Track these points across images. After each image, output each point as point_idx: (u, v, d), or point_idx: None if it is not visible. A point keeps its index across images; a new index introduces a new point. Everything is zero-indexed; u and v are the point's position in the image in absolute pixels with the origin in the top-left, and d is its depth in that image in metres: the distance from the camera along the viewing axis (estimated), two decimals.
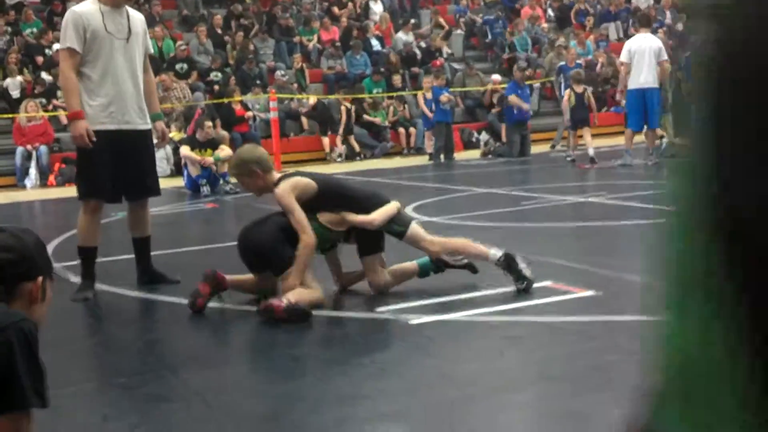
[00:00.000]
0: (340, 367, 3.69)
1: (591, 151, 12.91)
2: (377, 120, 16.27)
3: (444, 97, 14.45)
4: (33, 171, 13.78)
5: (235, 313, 4.57)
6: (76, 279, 5.39)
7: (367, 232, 4.65)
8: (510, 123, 14.58)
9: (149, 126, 5.32)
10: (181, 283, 5.35)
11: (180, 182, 11.87)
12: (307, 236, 4.43)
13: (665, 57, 11.22)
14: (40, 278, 2.12)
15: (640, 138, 15.19)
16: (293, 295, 4.21)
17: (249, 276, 4.64)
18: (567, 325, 4.01)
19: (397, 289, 4.91)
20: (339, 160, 15.29)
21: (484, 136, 16.49)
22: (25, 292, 2.05)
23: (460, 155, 15.51)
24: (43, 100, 14.87)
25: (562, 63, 16.48)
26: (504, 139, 15.28)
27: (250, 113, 15.11)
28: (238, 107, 15.18)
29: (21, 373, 1.85)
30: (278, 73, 16.25)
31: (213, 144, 11.58)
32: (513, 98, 14.50)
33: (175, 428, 3.05)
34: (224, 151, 11.25)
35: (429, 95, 15.14)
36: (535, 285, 4.72)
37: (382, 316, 4.34)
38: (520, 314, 4.19)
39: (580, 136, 13.46)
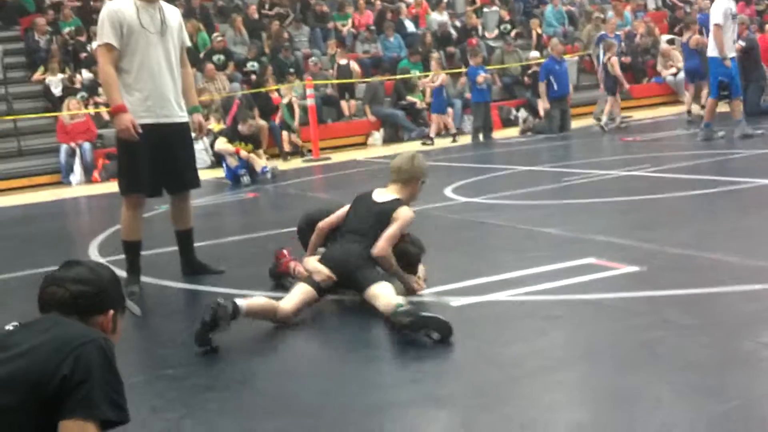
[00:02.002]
0: (384, 351, 3.70)
1: (604, 119, 13.26)
2: (416, 101, 16.22)
3: (480, 77, 14.34)
4: (77, 168, 14.02)
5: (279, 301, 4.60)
6: (121, 273, 5.47)
7: None
8: (550, 98, 14.43)
9: (187, 119, 5.35)
10: (225, 272, 5.41)
11: (220, 173, 11.98)
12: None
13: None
14: (112, 312, 2.21)
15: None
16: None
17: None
18: (611, 302, 3.96)
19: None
20: (377, 144, 15.26)
21: (522, 113, 16.34)
22: (96, 323, 2.13)
23: (499, 133, 15.39)
24: (84, 94, 15.07)
25: (603, 32, 16.25)
26: (543, 114, 15.12)
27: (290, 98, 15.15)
28: (275, 96, 15.24)
29: (96, 382, 1.89)
30: (312, 60, 16.27)
31: (255, 139, 11.64)
32: (541, 87, 14.46)
33: (224, 417, 3.08)
34: (257, 162, 11.37)
35: (435, 82, 15.06)
36: (578, 262, 4.67)
37: (423, 298, 4.33)
38: (563, 293, 4.15)
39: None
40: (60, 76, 15.53)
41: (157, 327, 4.58)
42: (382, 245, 4.37)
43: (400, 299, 3.91)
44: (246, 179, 11.15)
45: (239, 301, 3.89)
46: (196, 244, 5.63)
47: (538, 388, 3.04)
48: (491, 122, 14.85)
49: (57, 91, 15.36)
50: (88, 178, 13.98)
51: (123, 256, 5.40)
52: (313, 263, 4.42)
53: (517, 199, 7.49)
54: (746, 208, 6.12)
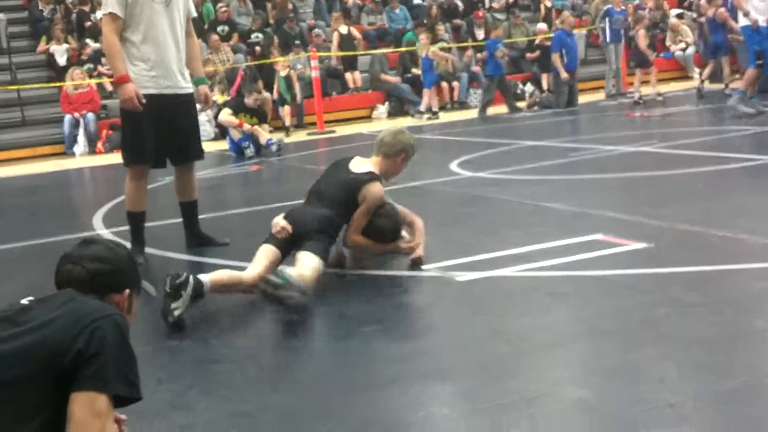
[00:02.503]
0: (389, 326, 3.69)
1: (637, 95, 13.17)
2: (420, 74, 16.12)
3: (500, 51, 14.30)
4: (81, 138, 13.98)
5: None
6: (126, 244, 5.47)
7: None
8: (558, 73, 14.34)
9: (192, 90, 5.32)
10: (229, 245, 5.40)
11: (225, 145, 11.94)
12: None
13: None
14: (128, 291, 2.21)
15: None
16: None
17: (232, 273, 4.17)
18: (617, 279, 3.95)
19: (443, 246, 4.88)
20: (383, 117, 15.20)
21: (529, 88, 16.24)
22: (113, 302, 2.13)
23: (505, 108, 15.32)
24: (90, 66, 15.00)
25: (609, 6, 16.11)
26: (550, 89, 15.04)
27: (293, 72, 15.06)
28: (278, 67, 15.15)
29: (110, 356, 1.89)
30: (315, 31, 16.17)
31: (260, 112, 11.58)
32: (556, 59, 14.35)
33: (228, 388, 3.08)
34: (262, 135, 11.29)
35: (426, 52, 14.96)
36: (585, 238, 4.65)
37: (429, 273, 4.32)
38: (569, 269, 4.13)
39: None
40: (65, 45, 15.45)
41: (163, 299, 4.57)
42: (351, 237, 4.38)
43: (308, 273, 3.92)
44: (250, 151, 11.11)
45: (203, 277, 3.86)
46: (200, 216, 5.62)
47: (543, 363, 3.04)
48: (511, 93, 14.75)
49: (62, 60, 15.29)
50: (92, 149, 13.95)
51: (127, 227, 5.40)
52: (276, 218, 4.38)
53: (523, 174, 7.45)
54: (755, 185, 6.09)
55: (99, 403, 1.85)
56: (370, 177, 4.46)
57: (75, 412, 1.83)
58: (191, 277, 3.80)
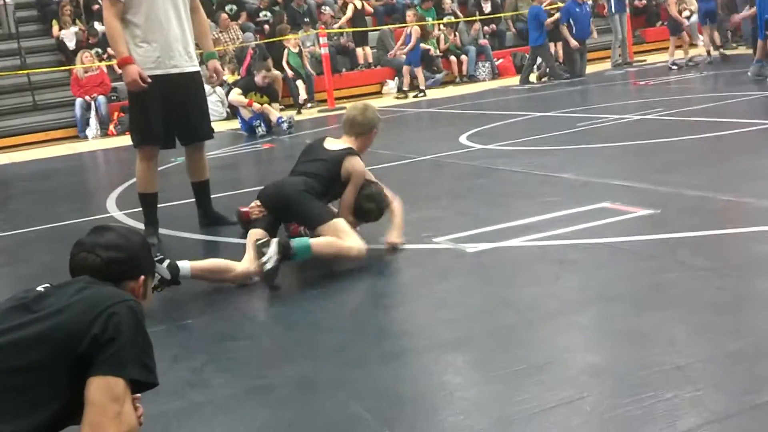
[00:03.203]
0: (400, 298, 3.75)
1: (671, 61, 13.41)
2: (431, 48, 16.08)
3: (548, 21, 14.31)
4: (93, 121, 14.05)
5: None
6: (140, 226, 5.54)
7: None
8: (567, 41, 14.29)
9: (198, 68, 5.34)
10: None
11: (236, 124, 11.98)
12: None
13: None
14: (143, 277, 2.23)
15: (689, 52, 14.73)
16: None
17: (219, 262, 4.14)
18: (626, 245, 3.98)
19: (452, 218, 4.93)
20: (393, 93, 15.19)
21: (537, 60, 16.17)
22: (128, 289, 2.15)
23: (514, 80, 15.27)
24: (99, 50, 15.02)
25: None
26: (558, 59, 14.97)
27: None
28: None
29: (126, 341, 1.90)
30: (323, 8, 16.12)
31: (270, 91, 11.58)
32: (564, 29, 14.28)
33: (245, 364, 3.13)
34: (273, 113, 11.29)
35: (409, 30, 14.87)
36: (593, 206, 4.69)
37: (439, 245, 4.37)
38: (577, 237, 4.17)
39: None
40: (73, 29, 15.46)
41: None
42: (345, 217, 4.36)
43: (358, 239, 4.01)
44: (261, 130, 11.14)
45: (182, 263, 3.88)
46: (213, 196, 5.66)
47: (553, 331, 3.08)
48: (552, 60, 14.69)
49: (71, 44, 15.32)
50: (104, 132, 14.02)
51: (140, 209, 5.45)
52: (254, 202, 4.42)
53: (531, 145, 7.47)
54: (760, 149, 6.08)
55: (116, 387, 1.86)
56: (350, 151, 4.47)
57: (92, 395, 1.84)
58: (167, 262, 3.80)
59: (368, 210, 4.47)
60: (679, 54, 13.80)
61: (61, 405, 1.86)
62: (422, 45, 16.22)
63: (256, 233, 4.18)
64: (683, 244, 3.87)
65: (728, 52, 14.13)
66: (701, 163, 5.80)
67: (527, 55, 16.57)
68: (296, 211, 4.28)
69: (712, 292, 3.24)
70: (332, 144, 4.58)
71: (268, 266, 3.86)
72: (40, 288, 2.05)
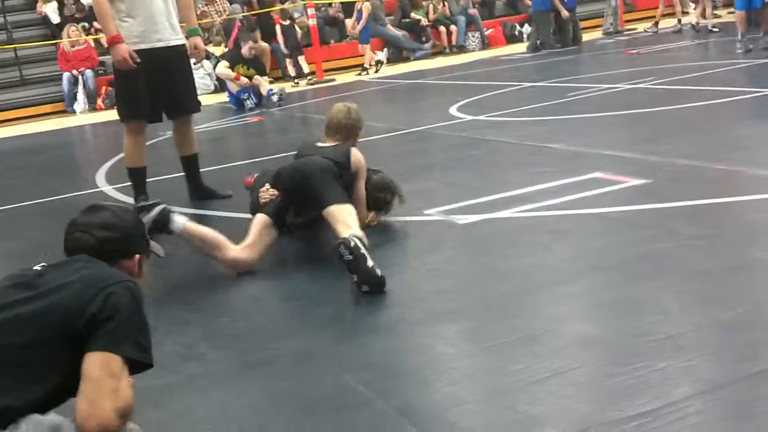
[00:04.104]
0: (392, 270, 3.73)
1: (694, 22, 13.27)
2: (421, 19, 15.98)
3: None
4: (81, 96, 13.94)
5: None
6: (129, 200, 5.51)
7: None
8: (559, 12, 14.24)
9: (183, 42, 5.30)
10: (232, 197, 5.44)
11: (224, 98, 11.90)
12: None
13: None
14: (138, 256, 2.23)
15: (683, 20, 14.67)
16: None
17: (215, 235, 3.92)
18: (617, 215, 3.98)
19: (444, 190, 4.92)
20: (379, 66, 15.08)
21: (526, 29, 16.09)
22: (123, 268, 2.15)
23: (504, 50, 15.21)
24: (86, 24, 14.89)
25: None
26: (543, 28, 14.91)
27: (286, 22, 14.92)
28: (276, 17, 15.01)
29: (124, 320, 1.92)
30: None
31: (257, 63, 11.47)
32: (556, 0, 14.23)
33: (239, 338, 3.13)
34: (263, 85, 11.19)
35: (361, 6, 14.70)
36: (584, 177, 4.68)
37: (430, 218, 4.36)
38: (569, 208, 4.17)
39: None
40: (54, 3, 15.30)
41: (167, 252, 4.59)
42: (362, 213, 4.15)
43: (358, 231, 3.62)
44: (250, 103, 11.06)
45: (178, 217, 3.74)
46: (202, 170, 5.64)
47: (546, 301, 3.08)
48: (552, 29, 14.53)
49: (55, 18, 15.17)
50: (92, 106, 13.91)
51: (130, 183, 5.43)
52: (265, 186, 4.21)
53: (522, 115, 7.45)
54: (752, 117, 6.09)
55: (112, 363, 1.87)
56: (350, 145, 4.27)
57: (89, 370, 1.86)
58: (162, 207, 3.68)
59: (383, 200, 4.31)
60: (667, 21, 13.76)
61: (58, 381, 1.88)
62: (413, 15, 16.11)
63: (263, 220, 3.95)
64: (676, 214, 3.87)
65: (716, 21, 14.09)
66: (694, 132, 5.79)
67: (517, 25, 16.50)
68: (316, 190, 3.87)
69: (705, 261, 3.24)
70: (325, 145, 4.36)
71: (379, 271, 3.38)
72: (37, 267, 2.06)
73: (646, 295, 2.97)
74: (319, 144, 4.37)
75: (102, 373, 1.85)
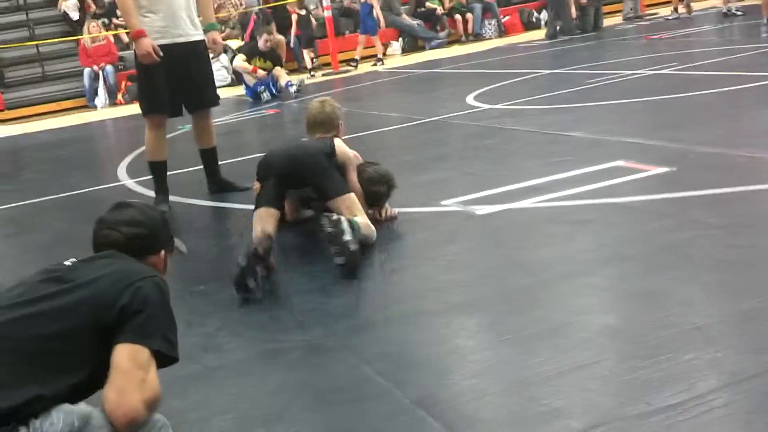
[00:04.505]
0: (409, 261, 3.72)
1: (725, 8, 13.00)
2: (437, 8, 15.90)
3: None
4: (101, 91, 14.04)
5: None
6: (150, 193, 5.53)
7: None
8: None
9: (202, 37, 5.34)
10: (250, 189, 5.42)
11: (241, 90, 11.91)
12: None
13: None
14: (163, 252, 2.30)
15: (702, 4, 14.50)
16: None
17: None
18: (640, 205, 3.93)
19: (461, 180, 4.88)
20: (397, 54, 15.03)
21: (544, 15, 15.96)
22: (149, 263, 2.21)
23: (521, 37, 15.10)
24: (105, 20, 14.99)
25: None
26: (563, 13, 14.79)
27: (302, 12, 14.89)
28: (292, 9, 14.99)
29: (152, 314, 1.97)
30: None
31: (273, 55, 11.47)
32: None
33: (256, 329, 3.13)
34: (282, 76, 11.18)
35: None
36: (605, 165, 4.63)
37: (448, 208, 4.32)
38: (590, 197, 4.12)
39: None
40: (75, 0, 15.40)
41: (188, 244, 4.57)
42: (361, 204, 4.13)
43: (359, 219, 3.74)
44: (266, 95, 11.07)
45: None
46: (220, 162, 5.66)
47: (567, 292, 3.04)
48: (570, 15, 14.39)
49: (75, 15, 15.29)
50: (113, 101, 14.00)
51: (150, 177, 5.45)
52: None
53: (541, 103, 7.38)
54: None
55: (141, 355, 1.92)
56: (334, 136, 4.27)
57: (118, 361, 1.90)
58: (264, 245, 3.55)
59: (379, 193, 4.25)
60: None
61: (88, 372, 1.92)
62: (428, 4, 16.01)
63: (269, 214, 3.94)
64: (699, 202, 3.81)
65: (740, 4, 13.90)
66: (717, 118, 5.71)
67: (534, 11, 16.37)
68: (318, 178, 3.96)
69: (728, 250, 3.19)
70: (306, 139, 4.38)
71: (353, 247, 3.52)
72: (67, 262, 2.11)
73: (670, 286, 2.92)
74: (303, 139, 4.42)
75: (131, 364, 1.89)
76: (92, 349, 1.93)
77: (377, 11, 14.49)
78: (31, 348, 1.87)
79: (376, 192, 4.24)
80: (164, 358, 1.99)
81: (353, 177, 4.16)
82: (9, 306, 1.95)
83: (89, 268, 2.06)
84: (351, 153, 4.22)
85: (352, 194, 3.98)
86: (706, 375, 2.25)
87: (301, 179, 4.05)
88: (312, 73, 13.97)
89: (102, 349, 1.92)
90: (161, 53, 5.03)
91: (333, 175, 4.00)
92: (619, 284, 3.07)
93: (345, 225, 3.56)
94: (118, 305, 1.94)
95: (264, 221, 3.95)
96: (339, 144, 4.16)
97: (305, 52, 14.44)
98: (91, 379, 1.92)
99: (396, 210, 4.29)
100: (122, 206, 2.31)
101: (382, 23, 14.77)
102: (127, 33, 13.13)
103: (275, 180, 4.02)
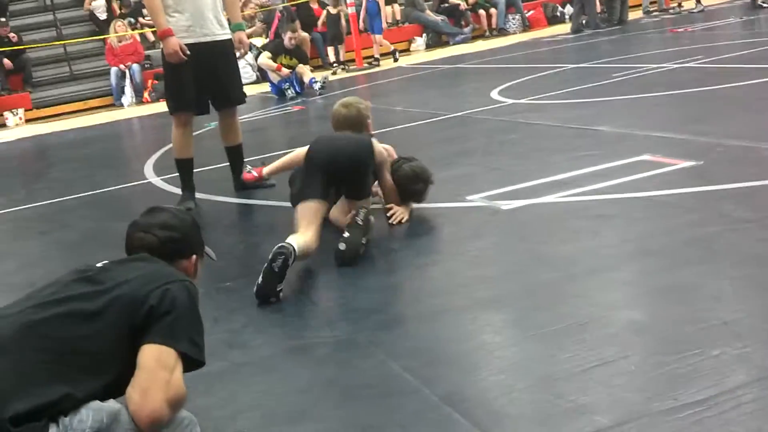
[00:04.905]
0: (435, 257, 3.72)
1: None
2: (460, 3, 15.85)
3: None
4: (128, 89, 14.17)
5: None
6: (176, 190, 5.57)
7: None
8: None
9: (229, 36, 5.37)
10: (275, 186, 5.46)
11: (266, 88, 11.96)
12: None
13: None
14: (194, 256, 2.32)
15: None
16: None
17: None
18: (666, 199, 3.90)
19: (486, 175, 4.87)
20: (421, 48, 15.02)
21: (568, 9, 15.86)
22: (180, 267, 2.24)
23: (546, 31, 15.02)
24: (131, 20, 15.12)
25: None
26: (589, 6, 14.68)
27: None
28: (316, 7, 15.02)
29: (181, 316, 1.99)
30: None
31: (299, 53, 11.51)
32: None
33: (283, 325, 3.15)
34: (306, 74, 11.21)
35: None
36: (631, 159, 4.60)
37: (473, 203, 4.32)
38: (616, 192, 4.09)
39: None
40: (102, 0, 15.57)
41: (214, 241, 4.62)
42: (395, 201, 4.20)
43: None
44: (291, 92, 11.11)
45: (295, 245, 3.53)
46: (246, 159, 5.68)
47: (593, 287, 3.03)
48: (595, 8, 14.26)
49: (102, 15, 15.47)
50: (139, 100, 14.12)
51: (177, 174, 5.49)
52: None
53: (566, 98, 7.34)
54: None
55: (167, 356, 1.93)
56: (369, 135, 4.25)
57: (144, 361, 1.92)
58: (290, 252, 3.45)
59: (416, 191, 4.24)
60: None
61: (117, 372, 1.93)
62: (452, 0, 15.96)
63: (311, 207, 3.84)
64: (726, 196, 3.78)
65: None
66: (743, 111, 5.65)
67: (558, 6, 16.27)
68: (361, 176, 3.99)
69: (756, 245, 3.16)
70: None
71: (343, 246, 3.66)
72: (99, 264, 2.15)
73: (697, 281, 2.90)
74: (347, 133, 4.29)
75: (156, 364, 1.91)
76: (121, 349, 1.94)
77: (384, 11, 14.47)
78: (61, 348, 1.89)
79: (413, 190, 4.24)
80: (190, 362, 2.00)
81: (387, 176, 4.19)
82: (41, 305, 1.97)
83: (121, 270, 2.08)
84: (385, 152, 4.20)
85: (368, 200, 4.04)
86: (735, 370, 2.23)
87: (348, 176, 3.98)
88: (335, 70, 13.99)
89: (131, 349, 1.94)
90: (188, 52, 5.08)
91: (369, 178, 4.07)
92: (645, 279, 3.06)
93: (361, 221, 3.73)
94: (147, 306, 1.96)
95: (308, 221, 3.77)
96: (377, 146, 4.13)
97: (329, 49, 14.47)
98: (120, 379, 1.93)
99: (406, 216, 4.22)
100: (155, 210, 2.35)
101: (384, 24, 14.79)
102: (153, 32, 13.27)
103: (322, 175, 3.93)
